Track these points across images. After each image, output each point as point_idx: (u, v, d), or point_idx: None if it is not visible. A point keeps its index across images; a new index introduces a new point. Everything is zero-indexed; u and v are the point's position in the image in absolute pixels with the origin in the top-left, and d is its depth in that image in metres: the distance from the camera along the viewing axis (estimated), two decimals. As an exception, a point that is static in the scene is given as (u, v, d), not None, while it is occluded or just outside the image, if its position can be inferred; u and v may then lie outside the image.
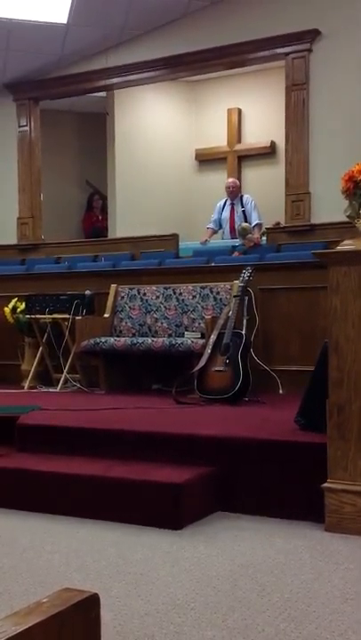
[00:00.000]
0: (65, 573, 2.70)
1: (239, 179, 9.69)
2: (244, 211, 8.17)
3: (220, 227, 8.37)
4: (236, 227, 7.95)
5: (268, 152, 9.65)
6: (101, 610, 1.17)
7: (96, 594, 1.15)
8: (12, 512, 3.49)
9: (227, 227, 8.29)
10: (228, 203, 8.32)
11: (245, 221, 7.96)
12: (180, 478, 3.28)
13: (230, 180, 8.59)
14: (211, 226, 8.37)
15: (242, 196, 8.33)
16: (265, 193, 8.77)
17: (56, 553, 2.92)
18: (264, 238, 7.81)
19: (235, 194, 8.28)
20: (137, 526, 3.21)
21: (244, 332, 4.95)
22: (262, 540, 3.01)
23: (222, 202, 8.42)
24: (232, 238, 8.07)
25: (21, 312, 5.98)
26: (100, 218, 10.61)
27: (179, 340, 5.16)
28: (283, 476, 3.35)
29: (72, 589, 1.15)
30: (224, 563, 2.76)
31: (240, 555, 2.84)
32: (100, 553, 2.91)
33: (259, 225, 7.98)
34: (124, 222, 9.53)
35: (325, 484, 3.10)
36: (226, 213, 8.29)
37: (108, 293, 5.79)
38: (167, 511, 3.21)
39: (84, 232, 10.67)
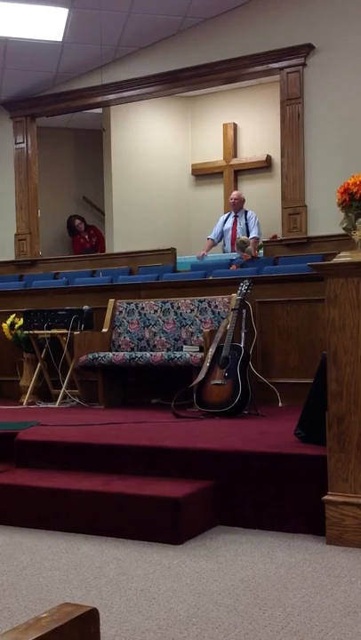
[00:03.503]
0: (65, 590, 2.68)
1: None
2: (246, 224, 8.22)
3: (221, 238, 8.43)
4: (236, 240, 8.00)
5: (265, 166, 9.71)
6: (103, 626, 1.17)
7: (95, 608, 1.14)
8: (12, 529, 3.48)
9: (228, 237, 8.35)
10: (232, 215, 8.39)
11: (246, 235, 8.02)
12: (180, 492, 3.27)
13: (235, 192, 8.69)
14: (211, 236, 8.44)
15: (246, 211, 8.38)
16: (262, 207, 8.82)
17: (56, 570, 2.90)
18: (261, 251, 7.85)
19: (237, 206, 8.33)
20: (137, 541, 3.19)
21: (242, 345, 4.95)
22: (263, 554, 2.99)
23: (226, 215, 8.51)
24: (233, 249, 8.12)
25: (19, 328, 5.98)
26: (88, 238, 10.59)
27: (177, 354, 5.16)
28: (283, 489, 3.33)
29: (71, 604, 1.14)
30: (225, 577, 2.74)
31: (241, 569, 2.83)
32: (101, 569, 2.89)
33: (255, 239, 8.02)
34: (122, 237, 9.56)
35: (326, 497, 3.09)
36: (229, 224, 8.37)
37: (106, 308, 5.80)
38: (167, 526, 3.20)
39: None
